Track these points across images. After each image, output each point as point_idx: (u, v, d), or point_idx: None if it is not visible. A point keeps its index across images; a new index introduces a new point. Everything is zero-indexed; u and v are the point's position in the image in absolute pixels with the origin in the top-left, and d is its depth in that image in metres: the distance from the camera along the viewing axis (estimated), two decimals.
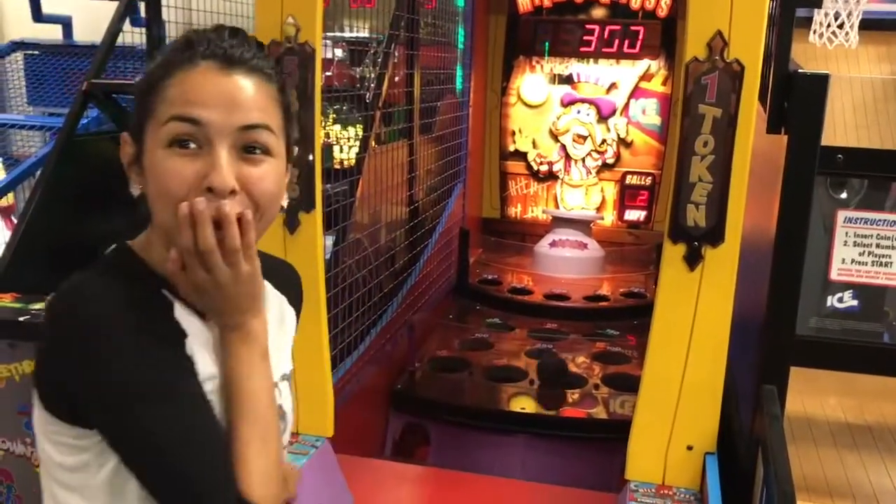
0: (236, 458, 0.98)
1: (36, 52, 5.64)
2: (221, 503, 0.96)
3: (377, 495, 2.47)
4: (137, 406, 0.93)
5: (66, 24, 6.13)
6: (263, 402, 1.02)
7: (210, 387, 1.01)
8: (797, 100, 1.95)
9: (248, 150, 0.99)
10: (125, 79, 4.55)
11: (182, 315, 1.02)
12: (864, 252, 2.02)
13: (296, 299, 1.31)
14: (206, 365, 1.02)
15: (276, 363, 1.12)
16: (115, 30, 4.06)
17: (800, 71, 1.99)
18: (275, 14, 2.19)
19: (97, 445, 0.96)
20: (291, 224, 2.27)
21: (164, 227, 1.01)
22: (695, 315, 2.07)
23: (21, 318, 3.05)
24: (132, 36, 4.27)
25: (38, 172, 3.90)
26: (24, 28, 6.31)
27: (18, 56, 5.69)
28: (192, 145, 0.97)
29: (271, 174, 1.02)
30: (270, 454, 1.02)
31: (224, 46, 1.00)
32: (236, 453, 0.99)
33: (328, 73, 4.78)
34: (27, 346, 2.99)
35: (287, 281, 1.29)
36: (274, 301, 1.21)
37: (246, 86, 0.99)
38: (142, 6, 4.41)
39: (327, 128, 3.77)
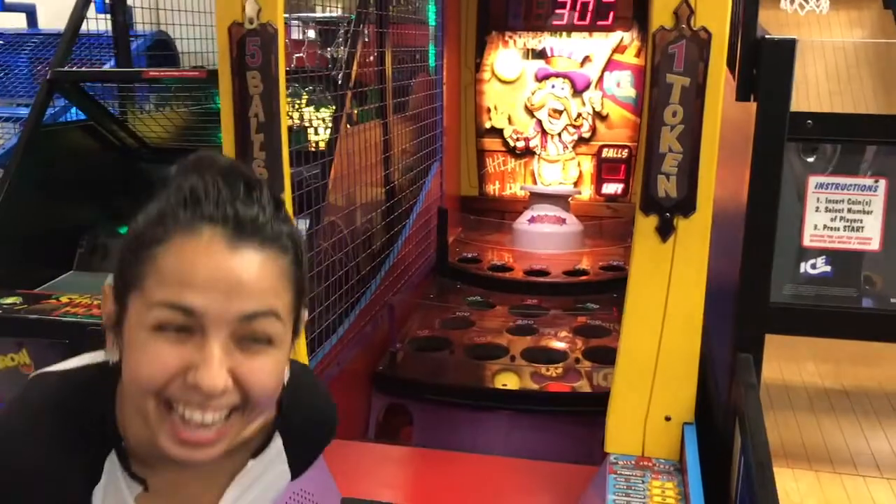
0: None
1: (0, 42, 5.55)
2: None
3: (361, 478, 2.47)
4: None
5: (31, 12, 6.03)
6: None
7: None
8: (765, 66, 1.94)
9: (248, 339, 0.86)
10: (92, 66, 4.48)
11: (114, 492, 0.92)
12: (835, 217, 2.02)
13: (302, 459, 1.16)
14: None
15: None
16: (78, 16, 3.99)
17: (767, 37, 1.97)
18: None
19: None
20: None
21: (133, 404, 0.89)
22: (668, 286, 2.07)
23: None
24: (97, 23, 4.20)
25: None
26: None
27: None
28: (183, 332, 0.84)
29: (270, 367, 0.88)
30: None
31: (236, 208, 0.85)
32: None
33: (300, 55, 4.72)
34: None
35: (304, 436, 1.13)
36: (255, 472, 1.06)
37: (255, 265, 0.85)
38: None
39: (300, 110, 3.73)
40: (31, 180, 3.67)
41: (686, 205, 2.02)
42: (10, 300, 3.12)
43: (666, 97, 2.00)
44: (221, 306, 0.83)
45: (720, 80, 1.97)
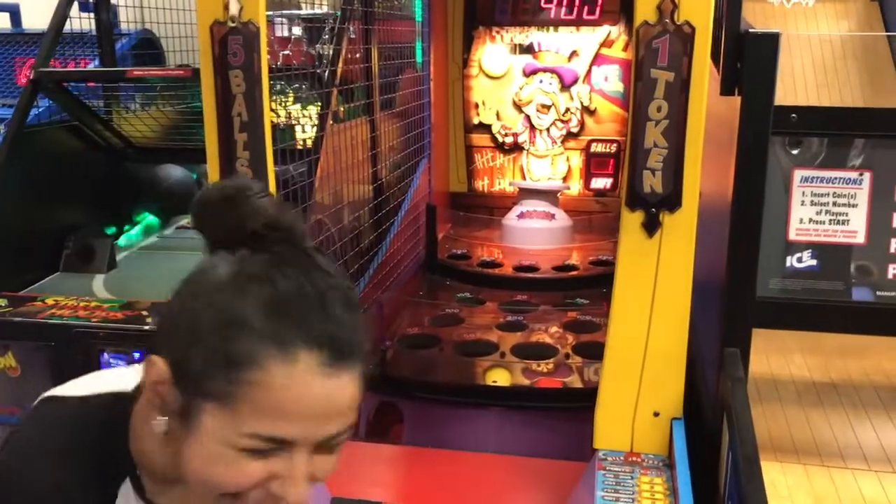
0: None
1: None
2: None
3: (351, 478, 2.46)
4: None
5: (14, 11, 5.98)
6: None
7: None
8: (749, 60, 1.93)
9: (326, 447, 0.86)
10: (76, 66, 4.45)
11: None
12: (821, 211, 2.02)
13: None
14: None
15: None
16: (61, 15, 3.96)
17: (751, 31, 1.97)
18: None
19: None
20: None
21: (189, 483, 0.87)
22: (655, 282, 2.07)
23: None
24: (80, 21, 4.16)
25: None
26: None
27: None
28: (267, 454, 0.83)
29: (337, 460, 0.89)
30: None
31: (333, 331, 0.83)
32: None
33: (286, 52, 4.70)
34: None
35: None
36: None
37: (348, 389, 0.84)
38: None
39: (287, 107, 3.71)
40: (16, 181, 3.64)
41: (672, 200, 2.02)
42: None
43: (650, 92, 1.99)
44: (315, 432, 0.83)
45: (704, 75, 1.97)
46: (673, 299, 2.07)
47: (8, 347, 2.93)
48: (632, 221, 2.05)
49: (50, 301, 3.15)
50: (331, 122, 3.41)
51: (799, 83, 4.10)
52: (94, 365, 2.88)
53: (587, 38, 5.18)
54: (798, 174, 2.01)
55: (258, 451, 0.82)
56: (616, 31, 5.14)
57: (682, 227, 2.03)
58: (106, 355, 2.86)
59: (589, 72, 5.21)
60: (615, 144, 5.26)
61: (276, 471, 0.83)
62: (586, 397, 2.99)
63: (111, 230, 4.11)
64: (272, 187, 2.24)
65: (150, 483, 0.93)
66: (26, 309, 3.06)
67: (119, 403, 0.94)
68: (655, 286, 2.06)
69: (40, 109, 4.00)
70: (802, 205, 2.02)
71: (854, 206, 1.99)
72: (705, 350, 2.31)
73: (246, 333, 0.81)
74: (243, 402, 0.80)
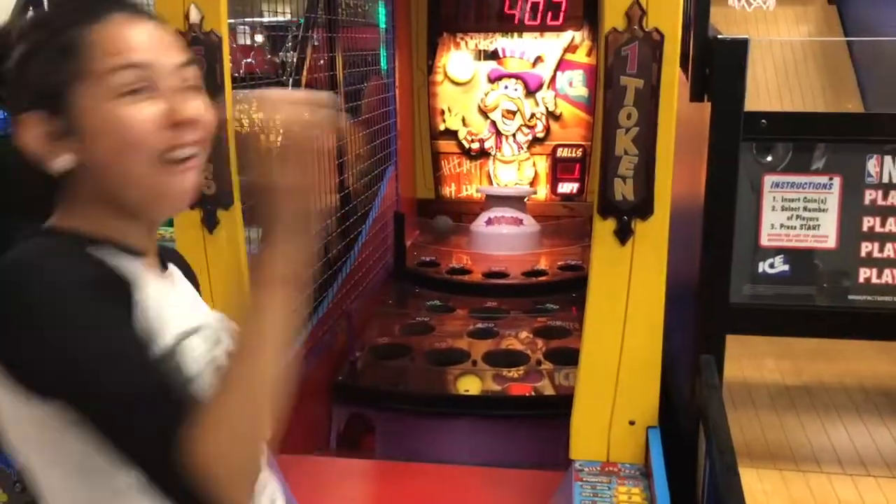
0: (208, 404, 0.84)
1: None
2: (163, 441, 0.82)
3: (322, 495, 2.41)
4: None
5: None
6: (271, 344, 0.88)
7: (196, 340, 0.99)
8: (718, 66, 1.93)
9: (186, 88, 0.98)
10: None
11: (135, 267, 0.98)
12: (792, 216, 2.02)
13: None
14: (181, 317, 1.00)
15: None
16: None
17: (719, 37, 1.97)
18: (176, 3, 2.08)
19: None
20: (210, 223, 2.17)
21: (129, 183, 0.95)
22: (629, 290, 2.05)
23: None
24: None
25: None
26: None
27: None
28: (144, 92, 0.94)
29: (208, 104, 1.01)
30: (255, 415, 0.87)
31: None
32: (211, 396, 0.85)
33: (249, 60, 4.63)
34: None
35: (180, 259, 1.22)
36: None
37: (161, 28, 1.00)
38: None
39: (251, 116, 3.64)
40: None
41: (643, 207, 2.01)
42: None
43: (620, 99, 1.98)
44: (162, 58, 0.96)
45: (674, 81, 1.96)
46: (646, 307, 2.06)
47: None
48: (604, 229, 2.03)
49: None
50: None
51: (761, 86, 4.14)
52: None
53: (551, 44, 5.19)
54: (768, 180, 2.01)
55: (135, 90, 0.94)
56: (580, 37, 5.15)
57: (654, 234, 2.02)
58: None
59: (553, 77, 5.22)
60: (581, 149, 5.27)
61: (161, 109, 0.94)
62: (558, 404, 2.98)
63: None
64: (236, 198, 2.18)
65: (124, 237, 0.99)
66: None
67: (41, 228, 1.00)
68: (629, 294, 2.05)
69: None
70: (773, 210, 2.02)
71: (824, 210, 2.00)
72: (678, 356, 2.31)
73: (66, 25, 0.95)
74: (95, 55, 0.93)
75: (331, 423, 3.39)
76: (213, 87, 2.08)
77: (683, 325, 2.18)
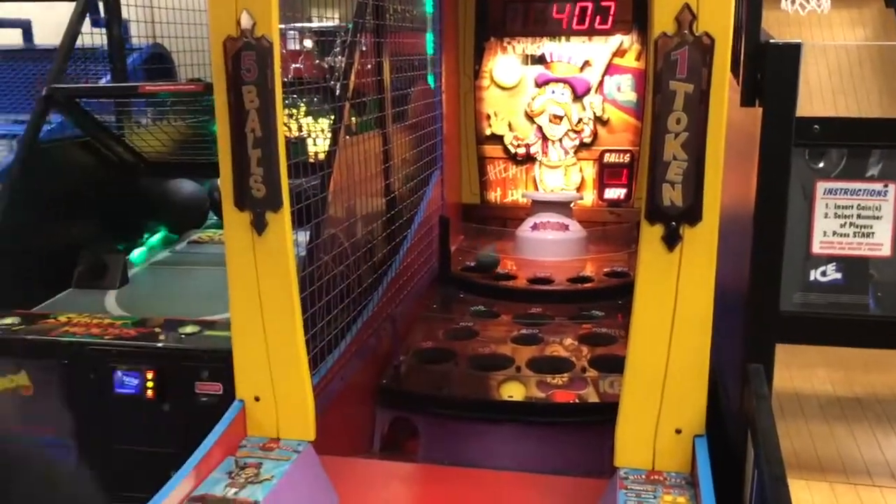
0: None
1: None
2: None
3: (365, 496, 2.43)
4: None
5: (26, 28, 6.01)
6: None
7: None
8: (770, 71, 1.90)
9: None
10: (88, 82, 4.45)
11: None
12: (845, 223, 1.98)
13: None
14: None
15: None
16: (73, 32, 3.96)
17: (772, 41, 1.93)
18: (229, 8, 2.12)
19: None
20: (259, 225, 2.20)
21: None
22: (676, 297, 2.03)
23: None
24: (92, 37, 4.17)
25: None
26: None
27: None
28: None
29: None
30: None
31: None
32: None
33: (297, 65, 4.69)
34: None
35: None
36: None
37: None
38: (101, 5, 4.31)
39: (299, 120, 3.69)
40: (28, 198, 3.63)
41: (692, 213, 1.98)
42: (7, 321, 3.08)
43: (669, 104, 1.96)
44: None
45: (724, 86, 1.93)
46: (694, 314, 2.03)
47: (21, 366, 2.91)
48: (652, 235, 2.01)
49: (63, 318, 3.13)
50: (344, 135, 3.39)
51: (815, 90, 4.05)
52: (107, 383, 2.87)
53: (599, 48, 5.16)
54: (821, 186, 1.97)
55: None
56: (629, 41, 5.11)
57: (703, 240, 1.99)
58: (119, 373, 2.84)
59: (601, 81, 5.18)
60: (628, 154, 5.23)
61: None
62: (603, 411, 2.96)
63: (123, 246, 4.10)
64: (286, 204, 2.21)
65: None
66: (39, 327, 3.05)
67: None
68: (676, 301, 2.02)
69: (52, 125, 4.00)
70: (826, 217, 1.98)
71: (879, 218, 1.95)
72: (727, 365, 2.27)
73: None
74: None
75: (374, 427, 3.41)
76: (263, 94, 2.11)
77: (732, 334, 2.15)
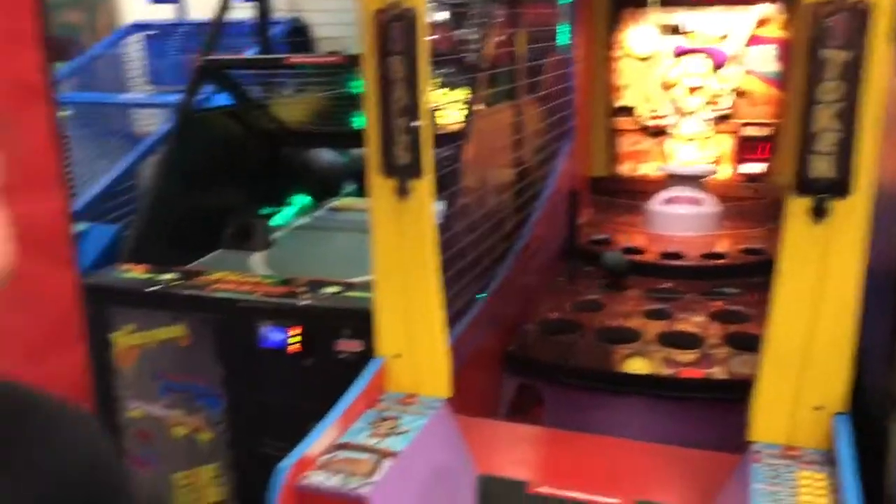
0: None
1: (154, 32, 5.89)
2: None
3: (495, 455, 2.50)
4: None
5: (179, 2, 6.37)
6: None
7: None
8: None
9: None
10: (237, 54, 4.69)
11: None
12: None
13: None
14: None
15: None
16: (223, 5, 4.18)
17: None
18: None
19: None
20: (403, 192, 2.29)
21: None
22: (822, 272, 1.98)
23: (148, 289, 3.21)
24: (242, 11, 4.39)
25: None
26: (138, 11, 6.58)
27: (138, 37, 5.96)
28: None
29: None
30: None
31: None
32: None
33: (433, 37, 4.76)
34: (159, 315, 3.16)
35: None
36: None
37: None
38: None
39: (433, 92, 3.77)
40: (184, 164, 3.89)
41: (842, 186, 1.92)
42: (167, 276, 3.31)
43: (820, 73, 1.90)
44: None
45: (883, 55, 1.86)
46: (841, 290, 1.97)
47: (179, 319, 3.14)
48: (798, 208, 1.97)
49: (214, 276, 3.34)
50: (478, 106, 3.45)
51: None
52: (254, 337, 3.05)
53: (741, 18, 4.98)
54: None
55: None
56: (773, 10, 4.90)
57: (853, 214, 1.93)
58: (265, 328, 3.02)
59: (742, 52, 5.00)
60: (770, 127, 5.04)
61: None
62: (733, 389, 2.92)
63: (266, 210, 4.32)
64: (429, 172, 2.29)
65: None
66: (194, 283, 3.26)
67: None
68: (822, 275, 1.97)
69: (205, 95, 4.25)
70: None
71: None
72: (873, 340, 2.19)
73: None
74: None
75: (501, 392, 3.48)
76: (410, 64, 2.19)
77: (882, 312, 2.07)
